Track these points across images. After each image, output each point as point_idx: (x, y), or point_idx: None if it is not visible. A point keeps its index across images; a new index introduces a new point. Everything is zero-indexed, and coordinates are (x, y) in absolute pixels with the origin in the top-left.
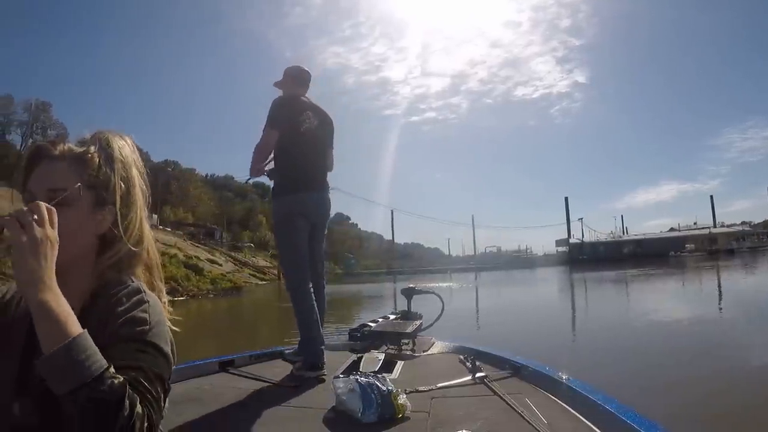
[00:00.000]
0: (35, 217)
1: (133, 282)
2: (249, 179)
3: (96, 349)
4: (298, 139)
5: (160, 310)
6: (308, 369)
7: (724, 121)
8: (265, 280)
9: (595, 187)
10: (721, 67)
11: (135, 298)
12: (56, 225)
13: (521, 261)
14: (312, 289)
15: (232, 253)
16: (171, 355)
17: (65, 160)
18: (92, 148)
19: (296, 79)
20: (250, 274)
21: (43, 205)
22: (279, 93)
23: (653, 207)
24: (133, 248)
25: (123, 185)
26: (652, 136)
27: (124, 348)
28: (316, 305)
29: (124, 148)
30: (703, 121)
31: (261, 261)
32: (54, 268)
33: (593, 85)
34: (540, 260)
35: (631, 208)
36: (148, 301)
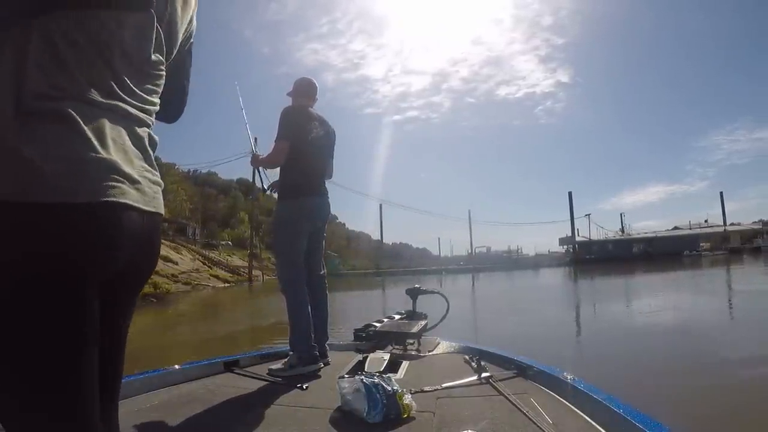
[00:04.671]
0: None
1: None
2: (267, 190)
3: None
4: (306, 147)
5: None
6: (304, 364)
7: (711, 123)
8: (230, 282)
9: (582, 188)
10: (707, 69)
11: None
12: None
13: (520, 262)
14: (307, 290)
15: (204, 251)
16: None
17: None
18: None
19: (302, 91)
20: (212, 275)
21: None
22: (288, 101)
23: (641, 209)
24: None
25: None
26: (638, 137)
27: None
28: (309, 304)
29: None
30: (690, 123)
31: (237, 260)
32: None
33: (577, 85)
34: (542, 260)
35: (618, 210)
36: None
